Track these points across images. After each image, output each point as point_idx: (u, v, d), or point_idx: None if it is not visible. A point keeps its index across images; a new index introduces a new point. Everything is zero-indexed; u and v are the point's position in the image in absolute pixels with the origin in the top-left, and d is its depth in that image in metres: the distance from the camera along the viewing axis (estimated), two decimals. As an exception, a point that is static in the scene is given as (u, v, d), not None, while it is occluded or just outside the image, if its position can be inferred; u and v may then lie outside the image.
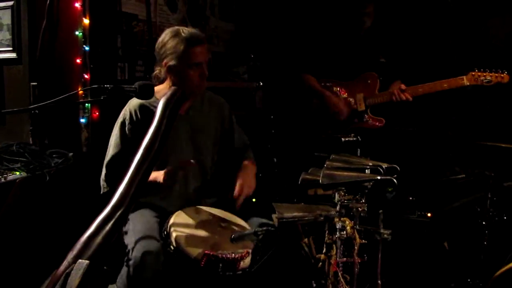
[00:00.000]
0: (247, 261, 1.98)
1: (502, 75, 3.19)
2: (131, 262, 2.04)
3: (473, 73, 3.22)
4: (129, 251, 2.10)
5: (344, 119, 3.41)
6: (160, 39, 2.43)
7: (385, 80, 3.49)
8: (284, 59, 3.82)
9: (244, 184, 2.41)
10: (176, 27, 2.45)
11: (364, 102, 3.42)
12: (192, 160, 2.31)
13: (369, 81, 3.44)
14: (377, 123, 3.45)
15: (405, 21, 4.31)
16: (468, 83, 3.23)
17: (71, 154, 2.83)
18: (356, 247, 1.88)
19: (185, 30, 2.40)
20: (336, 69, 3.45)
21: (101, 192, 2.40)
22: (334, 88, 3.45)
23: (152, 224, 2.23)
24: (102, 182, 2.42)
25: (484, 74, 3.21)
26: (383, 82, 3.48)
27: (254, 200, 2.45)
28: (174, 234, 2.04)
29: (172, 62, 2.36)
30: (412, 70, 3.96)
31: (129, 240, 2.18)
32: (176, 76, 2.40)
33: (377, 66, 3.47)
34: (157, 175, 2.24)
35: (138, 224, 2.23)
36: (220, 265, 1.88)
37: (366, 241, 1.91)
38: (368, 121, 3.45)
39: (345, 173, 1.84)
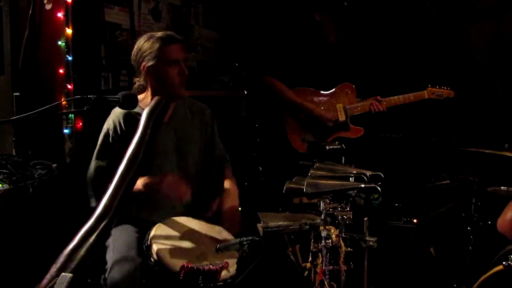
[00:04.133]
0: (231, 271, 1.96)
1: (450, 91, 3.58)
2: (108, 282, 2.04)
3: (430, 88, 3.55)
4: (107, 270, 2.09)
5: (331, 126, 3.43)
6: (135, 47, 2.46)
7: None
8: (254, 63, 3.83)
9: (230, 214, 2.39)
10: (150, 33, 2.48)
11: (344, 112, 3.47)
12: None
13: (348, 92, 3.52)
14: (358, 133, 3.51)
15: (383, 32, 4.38)
16: (427, 97, 3.54)
17: (54, 165, 2.80)
18: (341, 255, 1.89)
19: (158, 32, 2.45)
20: (308, 79, 3.47)
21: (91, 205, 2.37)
22: (309, 97, 3.46)
23: (131, 241, 2.21)
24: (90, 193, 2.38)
25: (437, 89, 3.55)
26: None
27: (239, 209, 2.44)
28: (155, 247, 2.01)
29: (150, 63, 2.37)
30: (384, 81, 4.05)
31: (108, 257, 2.17)
32: (155, 77, 2.40)
33: (347, 77, 3.54)
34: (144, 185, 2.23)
35: (117, 242, 2.21)
36: (200, 277, 1.86)
37: (351, 249, 1.92)
38: (349, 131, 3.50)
39: (329, 182, 1.85)
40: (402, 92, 3.54)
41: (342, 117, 3.47)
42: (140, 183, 2.24)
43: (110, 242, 2.23)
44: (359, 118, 3.53)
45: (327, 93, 3.50)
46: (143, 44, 2.41)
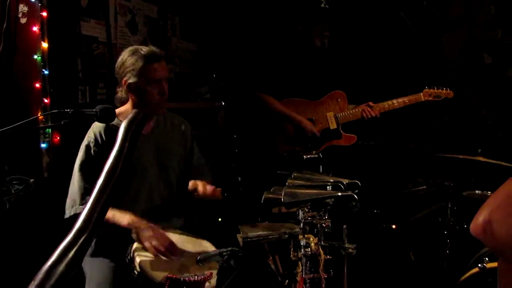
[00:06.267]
0: (212, 282, 1.97)
1: (448, 92, 3.51)
2: None
3: (426, 90, 3.49)
4: None
5: (318, 137, 3.40)
6: (119, 59, 2.45)
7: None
8: (241, 78, 3.80)
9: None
10: (135, 46, 2.47)
11: (335, 120, 3.44)
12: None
13: (338, 100, 3.47)
14: (350, 140, 3.48)
15: (363, 40, 4.44)
16: (424, 99, 3.48)
17: (32, 180, 2.77)
18: (321, 263, 1.91)
19: (144, 48, 2.42)
20: (297, 89, 3.45)
21: (65, 217, 2.34)
22: (299, 108, 3.43)
23: (107, 276, 2.22)
24: (75, 207, 2.33)
25: (435, 90, 3.49)
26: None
27: (220, 219, 2.45)
28: (138, 259, 2.02)
29: (131, 80, 2.37)
30: (370, 87, 4.08)
31: None
32: (136, 93, 2.41)
33: (335, 85, 3.51)
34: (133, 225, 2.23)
35: (93, 276, 2.23)
36: (184, 287, 1.87)
37: (330, 257, 1.94)
38: (341, 139, 3.46)
39: (306, 191, 1.87)
40: (386, 97, 3.50)
41: (333, 125, 3.43)
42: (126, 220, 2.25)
43: (87, 271, 2.24)
44: (352, 125, 3.50)
45: (316, 102, 3.46)
46: (127, 58, 2.40)
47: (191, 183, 2.42)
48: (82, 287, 2.24)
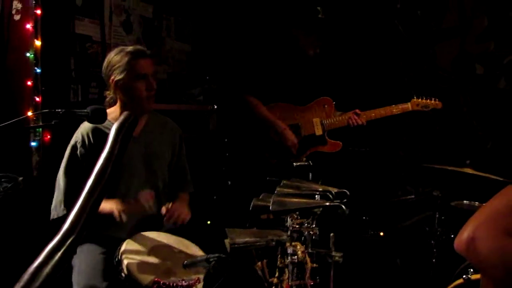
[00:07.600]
0: (198, 287, 1.98)
1: (436, 102, 3.50)
2: None
3: (415, 100, 3.47)
4: None
5: (295, 153, 3.37)
6: (105, 61, 2.48)
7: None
8: (231, 80, 3.80)
9: (176, 210, 2.43)
10: (121, 47, 2.51)
11: (321, 126, 3.44)
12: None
13: (325, 106, 3.47)
14: (335, 147, 3.48)
15: (356, 48, 4.46)
16: (411, 109, 3.47)
17: (21, 178, 2.75)
18: (307, 271, 1.91)
19: (129, 46, 2.47)
20: (285, 93, 3.46)
21: (51, 219, 2.35)
22: (285, 113, 3.43)
23: (97, 264, 2.22)
24: (59, 208, 2.34)
25: (423, 101, 3.47)
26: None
27: (208, 222, 2.45)
28: (125, 262, 2.02)
29: (118, 77, 2.38)
30: (359, 95, 4.09)
31: (74, 280, 2.17)
32: (124, 91, 2.42)
33: (324, 91, 3.52)
34: (113, 209, 2.23)
35: (83, 264, 2.21)
36: (172, 292, 1.88)
37: (317, 265, 1.94)
38: (326, 145, 3.47)
39: (295, 200, 1.87)
40: (376, 105, 3.50)
41: (319, 132, 3.42)
42: (114, 207, 2.25)
43: (75, 263, 2.23)
44: (343, 132, 3.50)
45: (303, 108, 3.46)
46: (113, 57, 2.43)
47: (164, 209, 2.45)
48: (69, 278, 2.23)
